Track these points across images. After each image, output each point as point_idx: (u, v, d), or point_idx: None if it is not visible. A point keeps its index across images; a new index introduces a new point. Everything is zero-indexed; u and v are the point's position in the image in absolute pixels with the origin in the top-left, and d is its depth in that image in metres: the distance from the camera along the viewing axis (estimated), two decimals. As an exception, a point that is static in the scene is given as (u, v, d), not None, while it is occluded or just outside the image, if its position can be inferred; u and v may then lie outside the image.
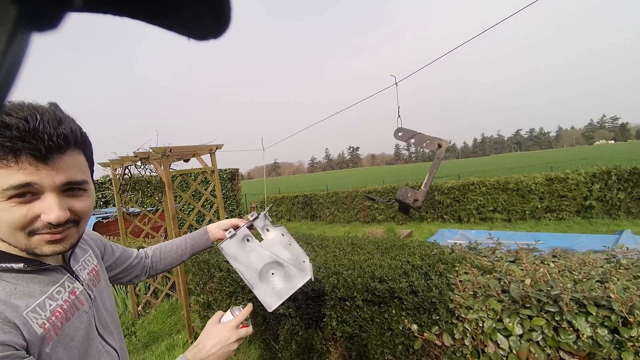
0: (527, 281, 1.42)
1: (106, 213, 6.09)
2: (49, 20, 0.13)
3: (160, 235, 4.46)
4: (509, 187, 7.65)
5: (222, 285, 2.46)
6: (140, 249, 1.13)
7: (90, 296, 0.70)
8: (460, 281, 1.58)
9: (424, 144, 0.90)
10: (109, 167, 3.86)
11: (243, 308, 0.97)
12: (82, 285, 0.70)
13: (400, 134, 0.95)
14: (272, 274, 1.17)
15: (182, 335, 3.44)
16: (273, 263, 1.18)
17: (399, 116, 0.91)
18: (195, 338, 3.47)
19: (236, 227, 1.23)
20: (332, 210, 10.66)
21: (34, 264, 0.60)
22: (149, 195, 4.13)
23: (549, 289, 1.32)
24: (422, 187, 0.89)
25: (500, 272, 1.62)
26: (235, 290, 2.36)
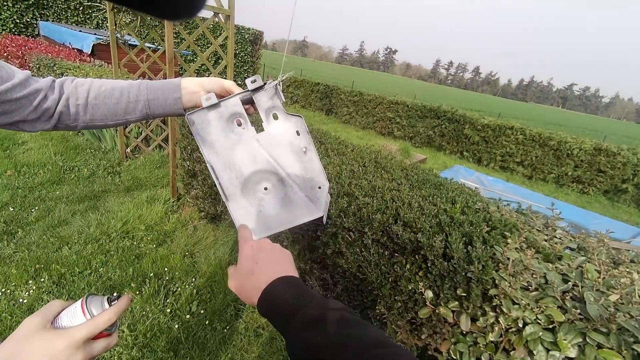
0: (613, 297, 1.00)
1: (105, 36, 5.28)
2: None
3: (159, 79, 3.90)
4: (549, 144, 6.83)
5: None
6: (50, 77, 0.64)
7: None
8: (510, 260, 1.16)
9: None
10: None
11: (111, 301, 0.48)
12: None
13: None
14: (265, 189, 0.70)
15: (166, 192, 3.27)
16: (270, 173, 0.70)
17: None
18: (179, 199, 3.32)
19: (224, 95, 0.71)
20: (350, 110, 9.89)
21: None
22: (149, 26, 3.38)
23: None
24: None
25: (565, 264, 1.19)
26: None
